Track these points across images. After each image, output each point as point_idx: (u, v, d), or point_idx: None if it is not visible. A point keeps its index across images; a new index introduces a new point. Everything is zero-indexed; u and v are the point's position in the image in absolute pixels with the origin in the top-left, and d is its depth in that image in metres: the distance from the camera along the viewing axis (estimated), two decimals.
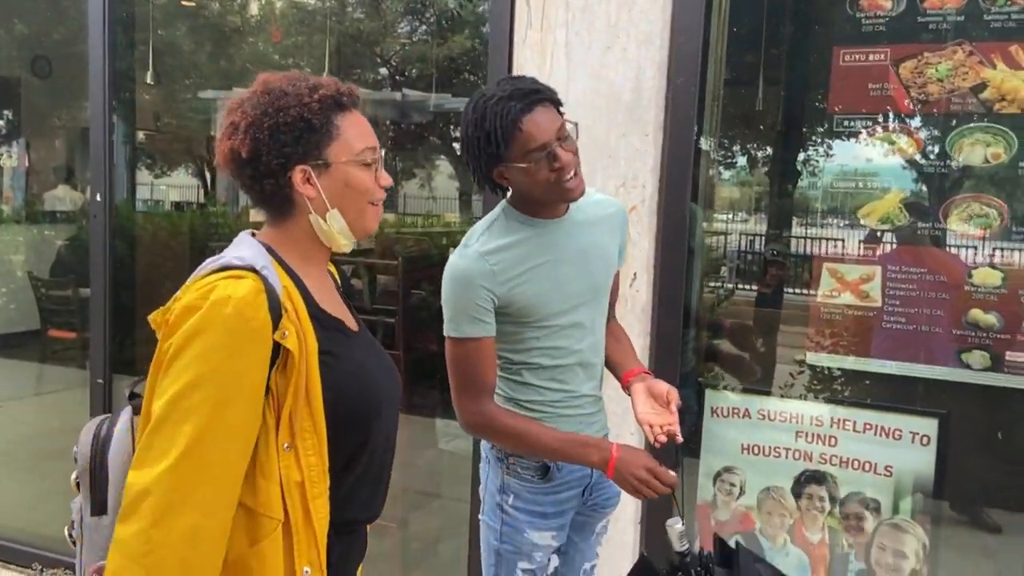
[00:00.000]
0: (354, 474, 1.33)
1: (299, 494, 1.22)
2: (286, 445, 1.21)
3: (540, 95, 1.69)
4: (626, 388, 1.89)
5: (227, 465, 1.15)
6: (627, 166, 2.35)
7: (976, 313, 2.24)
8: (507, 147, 1.66)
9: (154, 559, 1.10)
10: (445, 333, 1.77)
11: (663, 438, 1.68)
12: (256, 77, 1.34)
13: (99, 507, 1.25)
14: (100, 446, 1.28)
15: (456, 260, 1.75)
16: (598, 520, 2.02)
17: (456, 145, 6.12)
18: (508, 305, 1.74)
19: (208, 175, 6.59)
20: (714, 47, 2.42)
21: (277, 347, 1.19)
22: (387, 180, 1.37)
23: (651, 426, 1.71)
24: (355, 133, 1.33)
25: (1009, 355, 2.21)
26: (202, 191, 6.64)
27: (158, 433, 1.13)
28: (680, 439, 1.70)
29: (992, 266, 2.23)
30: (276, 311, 1.19)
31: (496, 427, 1.78)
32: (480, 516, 1.96)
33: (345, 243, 1.36)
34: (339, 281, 1.53)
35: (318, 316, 1.30)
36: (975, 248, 2.25)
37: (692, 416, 2.53)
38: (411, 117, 5.50)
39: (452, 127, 5.92)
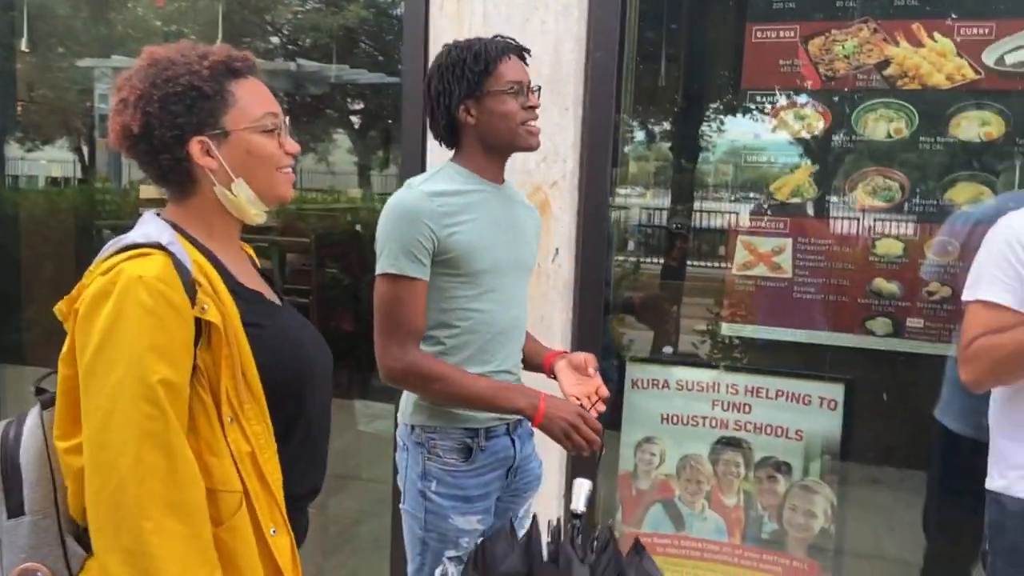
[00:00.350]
0: (291, 446, 1.29)
1: (251, 463, 1.20)
2: (230, 418, 1.17)
3: (520, 46, 1.82)
4: (550, 372, 1.91)
5: (182, 442, 1.12)
6: (547, 141, 2.31)
7: (879, 282, 2.35)
8: (493, 68, 1.73)
9: (155, 545, 1.07)
10: (379, 270, 1.73)
11: (594, 412, 1.73)
12: (140, 48, 1.27)
13: (16, 509, 1.18)
14: (9, 448, 1.20)
15: (401, 197, 1.73)
16: (520, 505, 2.01)
17: (355, 119, 5.97)
18: (444, 252, 1.72)
19: (86, 149, 6.20)
20: (630, 20, 2.42)
21: (198, 324, 1.14)
22: (293, 147, 1.32)
23: (578, 398, 1.76)
24: (252, 99, 1.28)
25: (909, 322, 2.33)
26: (79, 166, 6.25)
27: (107, 430, 1.08)
28: (607, 392, 1.78)
29: (894, 237, 2.33)
30: (190, 286, 1.14)
31: (422, 372, 1.73)
32: (401, 506, 1.89)
33: (256, 213, 1.31)
34: (255, 259, 1.46)
35: (236, 289, 1.25)
36: (878, 220, 2.35)
37: (612, 388, 2.56)
38: (307, 88, 5.34)
39: (350, 99, 5.76)
